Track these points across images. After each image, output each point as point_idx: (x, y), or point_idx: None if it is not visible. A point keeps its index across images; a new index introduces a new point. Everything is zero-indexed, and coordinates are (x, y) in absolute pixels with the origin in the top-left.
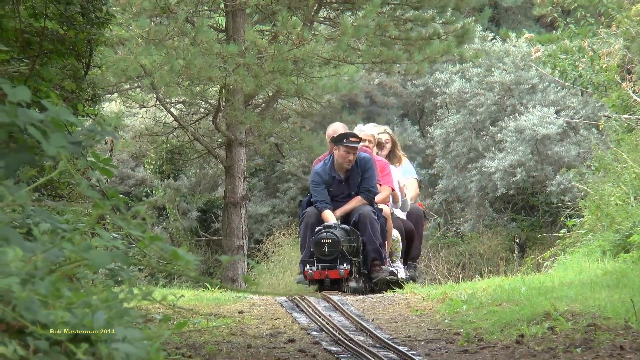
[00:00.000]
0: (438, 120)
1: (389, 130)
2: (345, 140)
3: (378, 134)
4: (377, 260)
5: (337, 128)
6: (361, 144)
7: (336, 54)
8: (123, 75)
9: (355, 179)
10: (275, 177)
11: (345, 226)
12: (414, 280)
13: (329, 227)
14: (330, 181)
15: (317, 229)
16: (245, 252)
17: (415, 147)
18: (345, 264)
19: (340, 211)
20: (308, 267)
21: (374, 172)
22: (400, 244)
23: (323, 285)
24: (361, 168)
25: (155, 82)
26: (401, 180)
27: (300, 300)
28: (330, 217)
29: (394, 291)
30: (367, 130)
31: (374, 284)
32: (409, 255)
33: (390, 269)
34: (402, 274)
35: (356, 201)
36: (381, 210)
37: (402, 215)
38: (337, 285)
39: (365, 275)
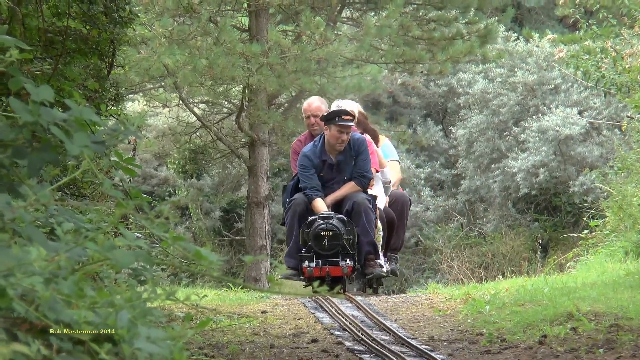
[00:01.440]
0: (461, 120)
1: (360, 107)
2: (337, 118)
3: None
4: (371, 254)
5: (312, 102)
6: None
7: (359, 54)
8: (146, 75)
9: (348, 162)
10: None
11: (342, 216)
12: (395, 274)
13: (328, 217)
14: (320, 165)
15: (311, 218)
16: (269, 252)
17: (438, 147)
18: (348, 260)
19: (332, 198)
20: (307, 263)
21: (368, 155)
22: (382, 233)
23: (323, 282)
24: (355, 150)
25: (179, 82)
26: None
27: (323, 300)
28: (321, 206)
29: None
30: (347, 106)
31: (368, 281)
32: (390, 247)
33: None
34: (384, 267)
35: (349, 187)
36: (375, 197)
37: (382, 202)
38: (338, 283)
39: (358, 271)
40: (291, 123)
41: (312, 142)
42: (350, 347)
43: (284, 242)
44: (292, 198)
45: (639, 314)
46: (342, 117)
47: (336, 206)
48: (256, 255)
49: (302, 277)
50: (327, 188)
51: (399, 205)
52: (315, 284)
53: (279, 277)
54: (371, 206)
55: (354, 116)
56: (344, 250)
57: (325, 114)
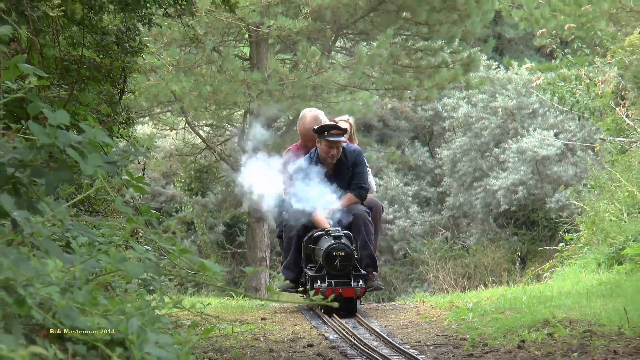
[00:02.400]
0: (446, 142)
1: (350, 119)
2: (326, 133)
3: (339, 121)
4: (370, 267)
5: (304, 115)
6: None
7: (352, 81)
8: (155, 100)
9: (344, 174)
10: None
11: (347, 232)
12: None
13: (339, 237)
14: (316, 177)
15: (317, 234)
16: (268, 264)
17: (425, 166)
18: (360, 281)
19: (331, 211)
20: (319, 282)
21: (365, 167)
22: None
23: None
24: (351, 162)
25: (185, 107)
26: None
27: (318, 309)
28: (322, 219)
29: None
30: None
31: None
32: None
33: None
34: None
35: (347, 199)
36: (372, 208)
37: None
38: (350, 304)
39: None
40: (289, 144)
41: (308, 153)
42: (344, 351)
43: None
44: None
45: (610, 321)
46: (331, 131)
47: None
48: (256, 266)
49: (299, 290)
50: (322, 199)
51: (373, 212)
52: (311, 292)
53: (277, 288)
54: (370, 218)
55: (345, 130)
56: (355, 270)
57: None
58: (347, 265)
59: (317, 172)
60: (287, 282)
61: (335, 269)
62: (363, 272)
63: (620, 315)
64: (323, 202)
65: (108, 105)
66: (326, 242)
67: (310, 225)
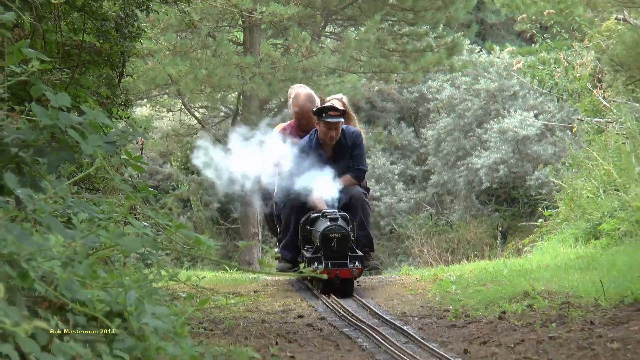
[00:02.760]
0: (430, 122)
1: (344, 98)
2: (324, 114)
3: (332, 99)
4: (366, 247)
5: (298, 93)
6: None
7: (340, 64)
8: (152, 83)
9: (343, 155)
10: None
11: (344, 214)
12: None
13: (335, 219)
14: (315, 157)
15: (314, 215)
16: (260, 239)
17: (410, 146)
18: (357, 262)
19: (329, 192)
20: (316, 264)
21: (363, 149)
22: None
23: (332, 284)
24: (350, 143)
25: (181, 89)
26: None
27: (308, 282)
28: (320, 201)
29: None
30: (333, 100)
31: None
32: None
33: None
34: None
35: (346, 180)
36: (369, 190)
37: None
38: (346, 285)
39: None
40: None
41: (308, 135)
42: (332, 322)
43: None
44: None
45: (587, 293)
46: (329, 113)
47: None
48: (249, 241)
49: (296, 269)
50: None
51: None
52: (302, 265)
53: (275, 268)
54: (367, 200)
55: (343, 111)
56: (352, 251)
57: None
58: (343, 246)
59: (316, 153)
60: (285, 263)
61: (332, 250)
62: (359, 253)
63: (597, 288)
64: (321, 183)
65: (107, 88)
66: (323, 224)
67: (308, 206)
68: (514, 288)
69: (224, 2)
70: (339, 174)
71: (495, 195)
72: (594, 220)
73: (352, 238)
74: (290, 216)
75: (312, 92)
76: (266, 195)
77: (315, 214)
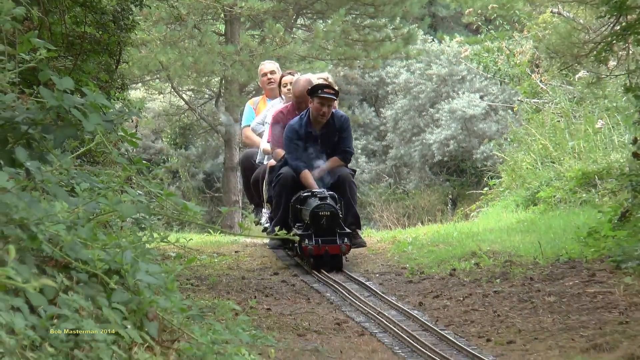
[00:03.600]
0: (389, 103)
1: (330, 78)
2: (319, 91)
3: (319, 78)
4: (353, 225)
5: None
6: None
7: (310, 53)
8: (145, 69)
9: (331, 136)
10: None
11: (332, 193)
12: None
13: (324, 197)
14: (305, 136)
15: (304, 194)
16: (240, 205)
17: (372, 124)
18: (345, 239)
19: (319, 172)
20: (307, 241)
21: (350, 133)
22: None
23: (322, 260)
24: (338, 126)
25: (170, 75)
26: None
27: (299, 257)
28: (309, 179)
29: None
30: (316, 78)
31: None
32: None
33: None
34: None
35: (333, 162)
36: (355, 171)
37: None
38: (335, 260)
39: None
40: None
41: (299, 115)
42: (303, 279)
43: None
44: (279, 172)
45: (527, 252)
46: (325, 90)
47: (320, 179)
48: (230, 207)
49: (286, 247)
50: (310, 159)
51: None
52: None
53: (268, 245)
54: (353, 180)
55: (336, 91)
56: (340, 229)
57: (310, 87)
58: (333, 224)
59: (305, 131)
60: (277, 240)
61: (322, 228)
62: (348, 230)
63: (535, 248)
64: (311, 163)
65: (106, 73)
66: (313, 203)
67: (299, 185)
68: (463, 248)
69: None
70: (326, 153)
71: (446, 167)
72: (532, 188)
73: (340, 216)
74: (281, 196)
75: (311, 76)
76: (247, 165)
77: (306, 194)
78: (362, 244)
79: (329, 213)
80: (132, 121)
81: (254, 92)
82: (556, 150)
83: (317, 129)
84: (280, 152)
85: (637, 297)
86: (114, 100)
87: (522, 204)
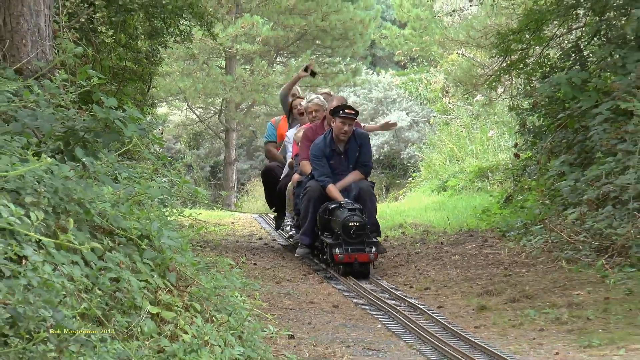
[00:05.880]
0: None
1: (331, 92)
2: (341, 112)
3: (322, 93)
4: (374, 233)
5: (333, 98)
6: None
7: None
8: (168, 92)
9: (353, 152)
10: (252, 149)
11: (359, 205)
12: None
13: (353, 209)
14: (330, 153)
15: (332, 206)
16: (236, 190)
17: None
18: (373, 247)
19: (341, 185)
20: (337, 250)
21: (370, 148)
22: None
23: (352, 267)
24: (359, 143)
25: (186, 96)
26: None
27: (266, 216)
28: (335, 192)
29: None
30: (316, 100)
31: None
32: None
33: None
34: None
35: (355, 175)
36: (374, 183)
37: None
38: (364, 267)
39: None
40: (248, 119)
41: (323, 134)
42: (280, 242)
43: (244, 184)
44: (306, 185)
45: (439, 224)
46: (346, 110)
47: (344, 190)
48: (229, 191)
49: (314, 254)
50: (335, 174)
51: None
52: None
53: (296, 254)
54: (373, 192)
55: (356, 112)
56: (367, 238)
57: (332, 108)
58: (362, 234)
59: (330, 149)
60: (304, 248)
61: (351, 237)
62: (374, 239)
63: (445, 221)
64: (336, 177)
65: (140, 95)
66: (342, 214)
67: (325, 197)
68: (393, 221)
69: (214, 42)
70: (349, 167)
71: (382, 163)
72: (443, 179)
73: (368, 226)
74: (308, 207)
75: (343, 97)
76: (269, 178)
77: (333, 205)
78: (383, 251)
79: (358, 224)
80: (159, 130)
81: (245, 109)
82: (460, 152)
83: (340, 146)
84: (306, 164)
85: (517, 257)
86: (146, 114)
87: (435, 190)
